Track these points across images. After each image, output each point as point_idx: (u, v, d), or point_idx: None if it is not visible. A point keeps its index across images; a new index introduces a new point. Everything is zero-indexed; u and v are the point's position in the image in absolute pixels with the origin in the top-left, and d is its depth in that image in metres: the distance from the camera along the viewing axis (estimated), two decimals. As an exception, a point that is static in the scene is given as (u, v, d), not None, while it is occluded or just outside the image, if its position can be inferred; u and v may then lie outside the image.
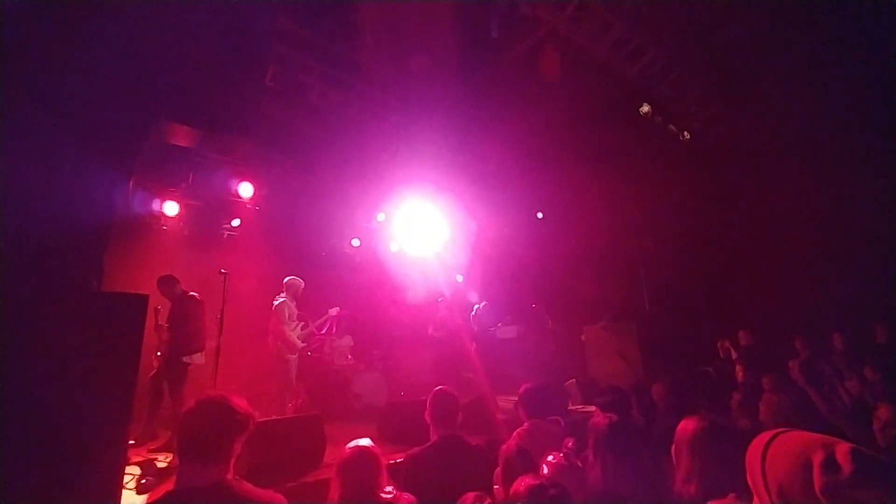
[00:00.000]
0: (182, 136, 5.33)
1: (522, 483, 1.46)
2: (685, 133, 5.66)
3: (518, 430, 2.90)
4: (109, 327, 2.33)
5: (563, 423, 3.18)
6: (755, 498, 0.93)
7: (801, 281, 6.04)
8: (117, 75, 3.16)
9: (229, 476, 1.52)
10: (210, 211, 7.18)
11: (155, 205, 6.56)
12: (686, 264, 7.03)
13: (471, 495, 1.65)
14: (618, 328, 7.04)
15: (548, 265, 8.30)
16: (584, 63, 4.59)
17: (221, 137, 5.53)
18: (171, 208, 6.61)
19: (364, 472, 1.82)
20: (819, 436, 0.87)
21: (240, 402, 1.58)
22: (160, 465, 3.79)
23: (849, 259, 5.68)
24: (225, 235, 7.54)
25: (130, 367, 2.49)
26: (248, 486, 1.54)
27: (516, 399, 3.21)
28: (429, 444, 2.44)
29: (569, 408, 5.90)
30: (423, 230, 7.63)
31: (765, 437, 0.95)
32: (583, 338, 7.59)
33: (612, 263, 7.57)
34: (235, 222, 7.40)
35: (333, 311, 6.01)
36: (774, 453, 0.89)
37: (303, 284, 5.58)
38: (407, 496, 1.89)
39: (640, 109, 5.44)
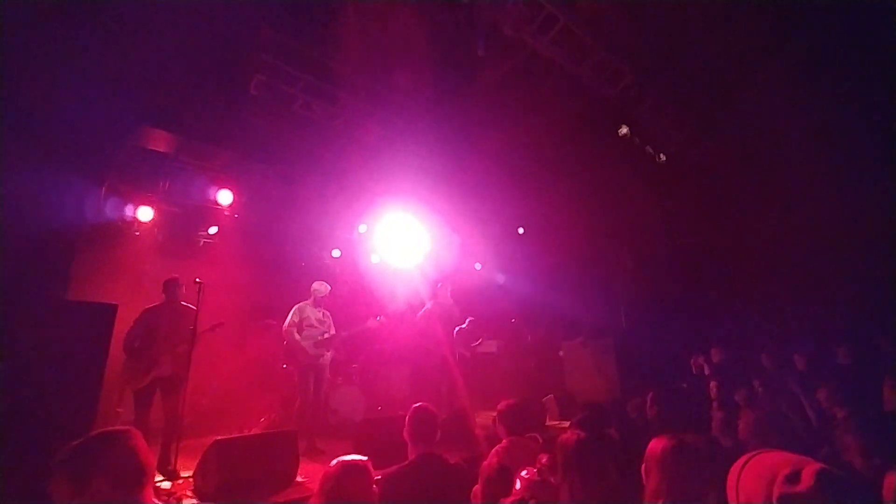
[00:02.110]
0: (160, 142, 5.20)
1: None
2: (661, 155, 5.87)
3: (497, 447, 2.89)
4: (76, 336, 2.22)
5: (541, 440, 3.18)
6: None
7: (774, 298, 6.26)
8: (91, 79, 3.08)
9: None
10: (186, 217, 7.00)
11: (128, 210, 6.35)
12: (662, 282, 7.21)
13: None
14: (595, 344, 7.13)
15: (527, 280, 8.38)
16: (566, 83, 4.74)
17: (201, 144, 5.43)
18: (144, 213, 6.40)
19: (353, 489, 1.74)
20: (793, 455, 0.91)
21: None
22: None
23: (820, 277, 5.92)
24: (201, 243, 7.35)
25: (95, 375, 2.39)
26: None
27: (495, 415, 3.20)
28: (407, 462, 2.40)
29: (547, 423, 5.92)
30: (404, 242, 7.61)
31: (743, 459, 0.98)
32: (561, 353, 7.65)
33: (590, 280, 7.69)
34: (213, 230, 7.23)
35: (374, 322, 5.71)
36: (748, 473, 0.92)
37: (327, 289, 5.36)
38: None
39: (619, 131, 5.62)
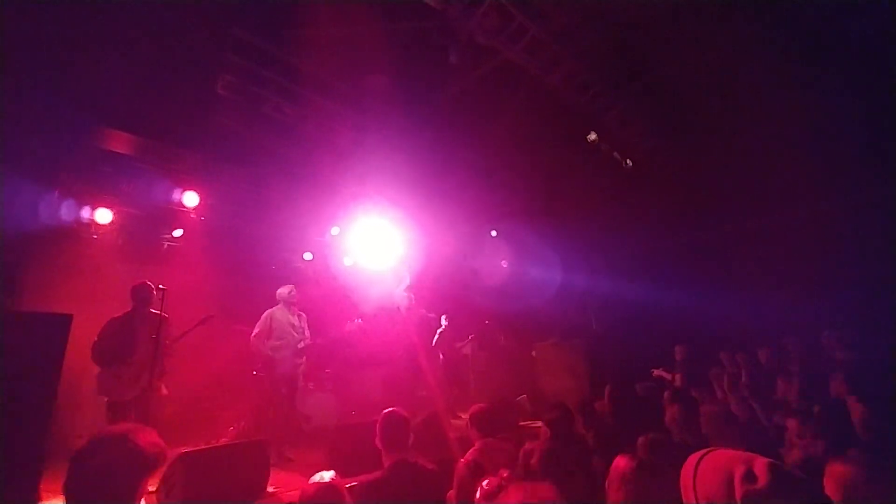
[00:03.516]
0: (120, 143, 4.98)
1: None
2: (628, 161, 6.08)
3: (471, 449, 2.93)
4: (28, 349, 2.10)
5: (514, 440, 3.26)
6: None
7: (736, 300, 6.56)
8: (45, 77, 2.92)
9: None
10: (149, 220, 6.73)
11: (84, 212, 6.04)
12: (631, 284, 7.45)
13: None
14: (567, 345, 7.30)
15: (501, 283, 8.49)
16: (538, 90, 4.84)
17: (165, 146, 5.23)
18: (103, 216, 6.11)
19: None
20: (741, 452, 0.98)
21: (146, 437, 1.41)
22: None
23: (782, 280, 6.23)
24: (165, 246, 7.08)
25: (49, 390, 2.27)
26: None
27: (467, 418, 3.25)
28: (381, 471, 2.39)
29: (520, 423, 6.01)
30: (378, 244, 7.57)
31: (695, 457, 1.03)
32: (533, 354, 7.79)
33: (561, 283, 7.86)
34: (177, 232, 6.97)
35: (352, 326, 5.68)
36: (703, 471, 0.97)
37: (288, 290, 5.23)
38: None
39: (588, 137, 5.78)
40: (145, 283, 4.14)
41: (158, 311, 4.05)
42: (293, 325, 5.08)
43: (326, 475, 1.84)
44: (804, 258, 6.01)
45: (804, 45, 4.41)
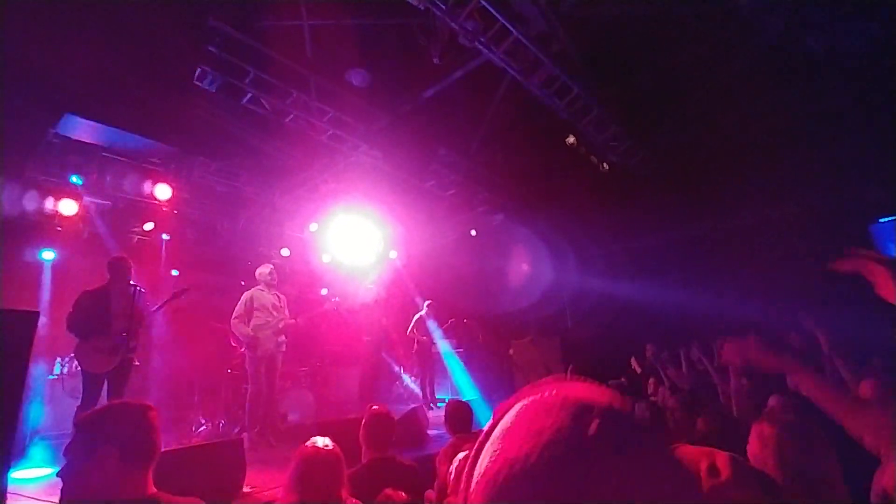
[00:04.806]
0: (86, 132, 4.79)
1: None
2: (604, 164, 6.23)
3: (448, 442, 2.99)
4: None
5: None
6: None
7: (714, 294, 6.81)
8: (5, 61, 2.79)
9: (151, 489, 1.40)
10: (118, 212, 6.49)
11: (48, 203, 5.78)
12: (606, 283, 7.66)
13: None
14: (543, 343, 7.45)
15: (480, 281, 8.58)
16: (518, 92, 4.91)
17: (136, 137, 5.06)
18: (68, 207, 5.86)
19: (326, 473, 1.74)
20: (704, 448, 1.05)
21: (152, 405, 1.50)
22: None
23: (760, 275, 6.50)
24: (135, 240, 6.85)
25: (17, 387, 2.19)
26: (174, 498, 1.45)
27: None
28: (360, 465, 2.42)
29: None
30: (356, 241, 7.54)
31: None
32: (511, 351, 7.92)
33: (538, 281, 8.01)
34: (148, 226, 6.76)
35: (330, 304, 5.77)
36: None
37: (268, 270, 5.27)
38: (355, 501, 1.85)
39: (567, 140, 5.90)
40: (123, 256, 4.16)
41: (133, 284, 4.03)
42: (274, 305, 5.10)
43: (321, 441, 1.84)
44: (780, 256, 6.27)
45: (779, 44, 4.58)
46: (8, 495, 2.56)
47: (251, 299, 5.04)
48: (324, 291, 8.58)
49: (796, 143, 5.51)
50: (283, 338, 5.12)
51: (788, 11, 3.97)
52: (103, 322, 3.82)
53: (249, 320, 4.95)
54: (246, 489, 3.40)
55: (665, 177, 6.63)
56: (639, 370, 6.07)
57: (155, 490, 1.40)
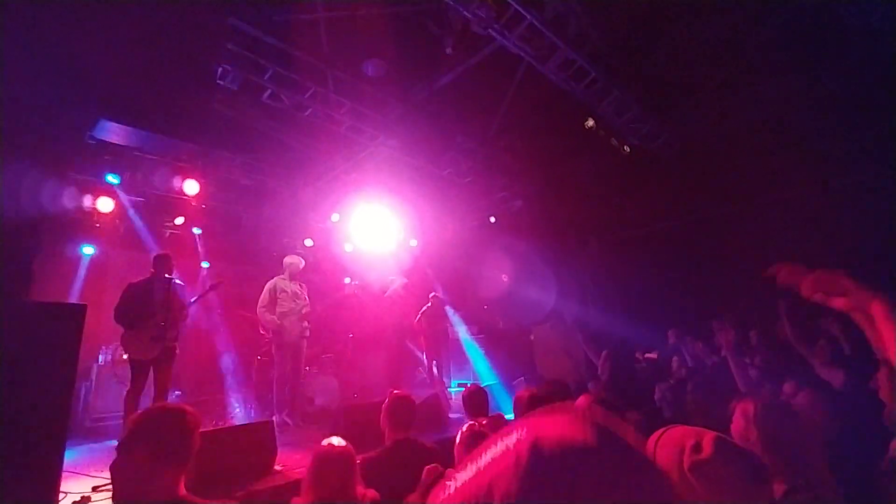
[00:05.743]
0: (119, 135, 5.02)
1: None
2: (626, 147, 6.10)
3: (467, 424, 3.08)
4: (46, 338, 2.22)
5: (505, 418, 3.42)
6: None
7: (737, 280, 6.66)
8: (48, 71, 2.96)
9: (182, 492, 1.49)
10: (150, 208, 6.80)
11: (87, 200, 6.11)
12: (627, 268, 7.56)
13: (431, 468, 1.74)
14: (564, 328, 7.45)
15: (499, 267, 8.59)
16: (535, 76, 4.85)
17: (165, 136, 5.26)
18: (105, 204, 6.19)
19: (339, 472, 1.82)
20: (695, 428, 1.09)
21: (194, 417, 1.56)
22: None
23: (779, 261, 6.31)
24: (167, 234, 7.17)
25: (68, 377, 2.39)
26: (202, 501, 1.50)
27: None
28: (383, 447, 2.54)
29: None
30: (377, 230, 7.66)
31: (657, 434, 1.15)
32: (532, 337, 7.95)
33: (559, 266, 7.97)
34: (179, 220, 7.06)
35: (350, 287, 6.01)
36: (662, 444, 1.09)
37: (301, 262, 5.51)
38: (371, 492, 1.96)
39: (586, 123, 5.80)
40: (166, 253, 4.46)
41: (174, 278, 4.35)
42: (297, 294, 5.32)
43: (335, 440, 1.94)
44: (804, 240, 6.07)
45: (799, 28, 4.39)
46: (64, 473, 2.80)
47: (275, 288, 5.24)
48: (347, 280, 8.79)
49: (825, 124, 5.25)
50: (307, 323, 5.34)
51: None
52: (147, 312, 4.09)
53: (275, 308, 5.16)
54: (277, 468, 3.60)
55: (688, 159, 6.44)
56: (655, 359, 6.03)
57: (185, 492, 1.48)
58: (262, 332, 5.98)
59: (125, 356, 4.15)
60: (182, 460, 1.48)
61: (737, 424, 1.55)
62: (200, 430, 1.58)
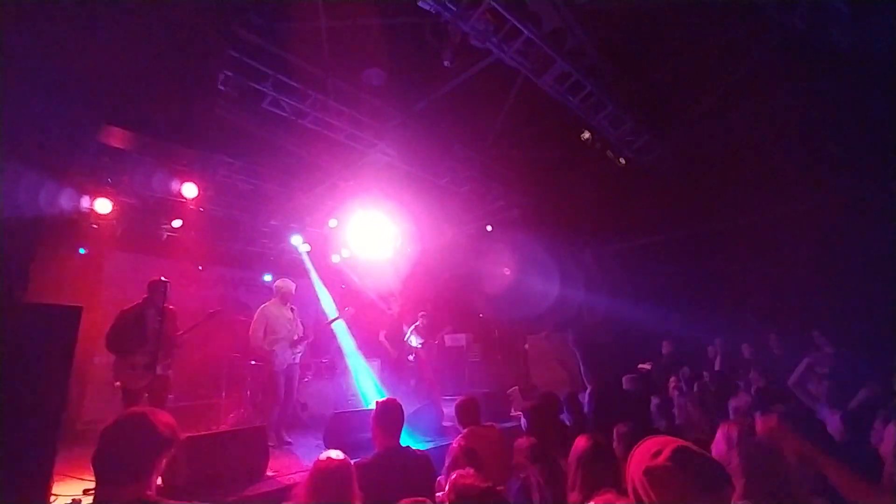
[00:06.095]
0: (119, 139, 5.05)
1: (458, 477, 1.62)
2: (621, 159, 6.17)
3: (460, 435, 3.11)
4: (41, 340, 2.23)
5: (498, 428, 3.45)
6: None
7: (725, 295, 6.73)
8: (49, 77, 3.00)
9: (150, 493, 1.46)
10: (148, 210, 6.82)
11: (84, 201, 6.13)
12: (621, 279, 7.62)
13: (408, 501, 1.68)
14: (558, 338, 7.49)
15: (495, 276, 8.63)
16: (532, 87, 4.93)
17: (164, 140, 5.30)
18: (102, 205, 6.20)
19: (337, 486, 1.82)
20: (669, 437, 1.13)
21: (163, 419, 1.53)
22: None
23: (774, 272, 6.39)
24: (164, 236, 7.19)
25: (62, 379, 2.40)
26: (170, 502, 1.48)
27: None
28: (373, 454, 2.55)
29: (511, 413, 6.21)
30: (375, 236, 7.69)
31: (640, 441, 1.18)
32: (526, 346, 7.98)
33: (554, 277, 8.02)
34: (177, 223, 7.08)
35: (344, 313, 5.94)
36: (637, 452, 1.13)
37: (293, 287, 5.32)
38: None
39: (582, 136, 5.88)
40: (161, 279, 4.25)
41: (168, 305, 4.22)
42: (288, 319, 5.17)
43: (334, 453, 1.94)
44: (802, 253, 6.13)
45: (802, 38, 4.46)
46: (55, 476, 2.80)
47: (266, 315, 5.06)
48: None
49: (819, 140, 5.35)
50: (299, 349, 5.19)
51: (813, 3, 3.86)
52: (139, 340, 3.98)
53: (266, 336, 5.01)
54: (269, 473, 3.60)
55: (683, 173, 6.53)
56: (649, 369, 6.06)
57: (154, 495, 1.45)
58: (252, 363, 5.86)
59: (117, 384, 4.00)
60: (148, 465, 1.45)
61: (718, 446, 1.58)
62: (178, 435, 1.55)
